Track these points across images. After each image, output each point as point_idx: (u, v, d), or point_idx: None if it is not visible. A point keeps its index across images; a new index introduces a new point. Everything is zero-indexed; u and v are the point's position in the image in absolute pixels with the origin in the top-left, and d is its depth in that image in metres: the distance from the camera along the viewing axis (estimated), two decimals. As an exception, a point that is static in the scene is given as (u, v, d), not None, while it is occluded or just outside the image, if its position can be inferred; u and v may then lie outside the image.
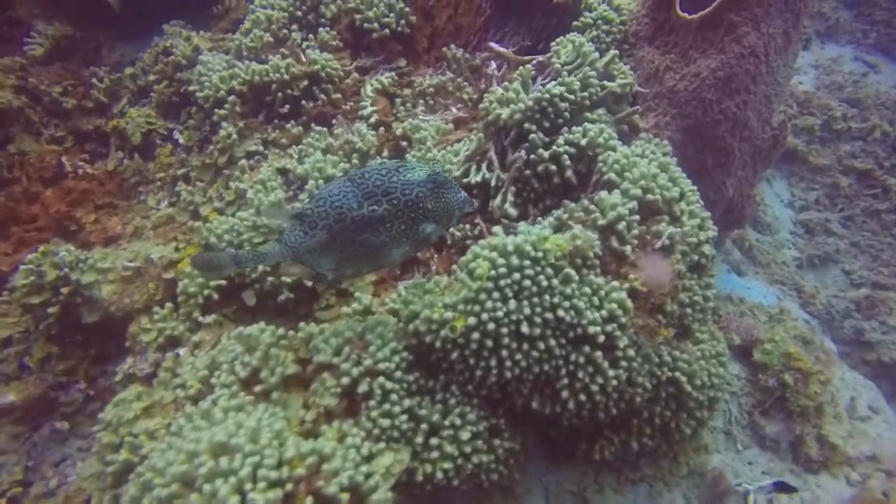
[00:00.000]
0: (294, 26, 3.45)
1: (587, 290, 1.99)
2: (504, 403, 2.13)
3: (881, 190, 4.57)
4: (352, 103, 3.35)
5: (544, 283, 1.92)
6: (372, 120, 3.20)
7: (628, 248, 2.10)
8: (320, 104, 3.20)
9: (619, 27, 3.15)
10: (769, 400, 2.78)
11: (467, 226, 2.69)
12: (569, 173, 2.47)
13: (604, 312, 1.97)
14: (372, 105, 3.26)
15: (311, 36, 3.50)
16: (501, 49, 3.10)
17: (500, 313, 1.91)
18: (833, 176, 4.67)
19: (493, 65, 3.06)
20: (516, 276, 1.92)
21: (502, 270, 1.92)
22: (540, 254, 1.95)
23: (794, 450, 2.81)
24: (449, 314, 1.95)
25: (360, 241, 1.78)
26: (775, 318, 3.22)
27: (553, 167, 2.47)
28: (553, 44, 2.89)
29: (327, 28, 3.50)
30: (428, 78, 3.48)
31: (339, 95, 3.28)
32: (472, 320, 1.91)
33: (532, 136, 2.46)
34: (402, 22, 3.57)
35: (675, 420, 2.31)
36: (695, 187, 2.40)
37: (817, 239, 4.43)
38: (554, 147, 2.46)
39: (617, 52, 2.80)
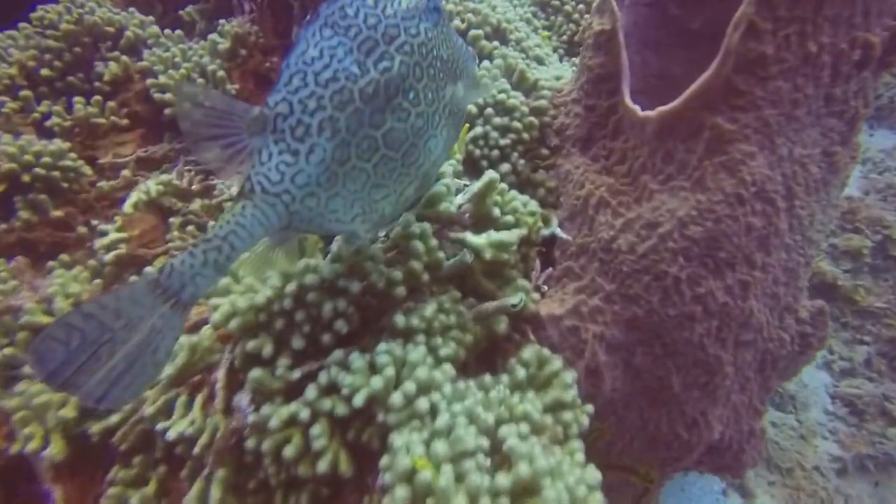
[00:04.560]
0: (29, 91, 2.19)
1: None
2: None
3: (967, 355, 3.08)
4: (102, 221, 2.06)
5: None
6: (111, 256, 1.90)
7: None
8: (20, 227, 1.90)
9: (530, 120, 1.81)
10: None
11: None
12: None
13: None
14: (119, 230, 1.96)
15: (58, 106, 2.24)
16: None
17: None
18: (892, 326, 3.19)
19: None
20: None
21: None
22: None
23: None
24: None
25: (384, 139, 0.99)
26: None
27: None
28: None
29: (97, 98, 2.24)
30: (236, 181, 2.19)
31: (69, 209, 1.99)
32: None
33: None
34: (215, 91, 2.30)
35: None
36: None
37: (869, 426, 2.92)
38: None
39: (495, 176, 1.44)
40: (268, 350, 1.18)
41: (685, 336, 1.49)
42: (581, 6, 2.75)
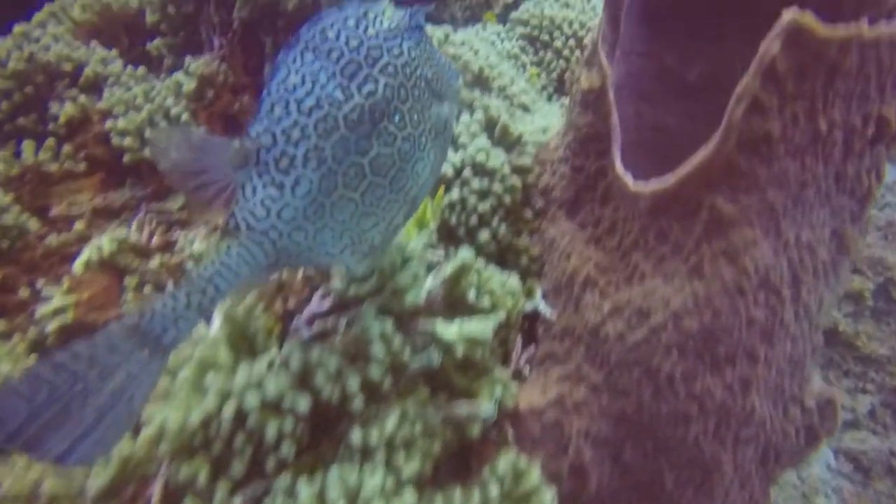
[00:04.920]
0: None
1: None
2: None
3: (975, 407, 2.94)
4: (50, 280, 1.90)
5: None
6: (55, 324, 1.74)
7: None
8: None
9: (512, 183, 1.66)
10: None
11: None
12: None
13: None
14: (66, 292, 1.81)
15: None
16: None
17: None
18: (896, 374, 3.06)
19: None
20: None
21: None
22: None
23: None
24: None
25: (371, 166, 0.95)
26: None
27: None
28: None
29: (50, 142, 2.09)
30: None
31: (8, 270, 1.83)
32: None
33: None
34: (179, 136, 2.15)
35: None
36: None
37: (876, 486, 2.78)
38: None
39: (469, 260, 1.29)
40: (202, 478, 1.02)
41: (679, 434, 1.35)
42: (571, 41, 2.62)
